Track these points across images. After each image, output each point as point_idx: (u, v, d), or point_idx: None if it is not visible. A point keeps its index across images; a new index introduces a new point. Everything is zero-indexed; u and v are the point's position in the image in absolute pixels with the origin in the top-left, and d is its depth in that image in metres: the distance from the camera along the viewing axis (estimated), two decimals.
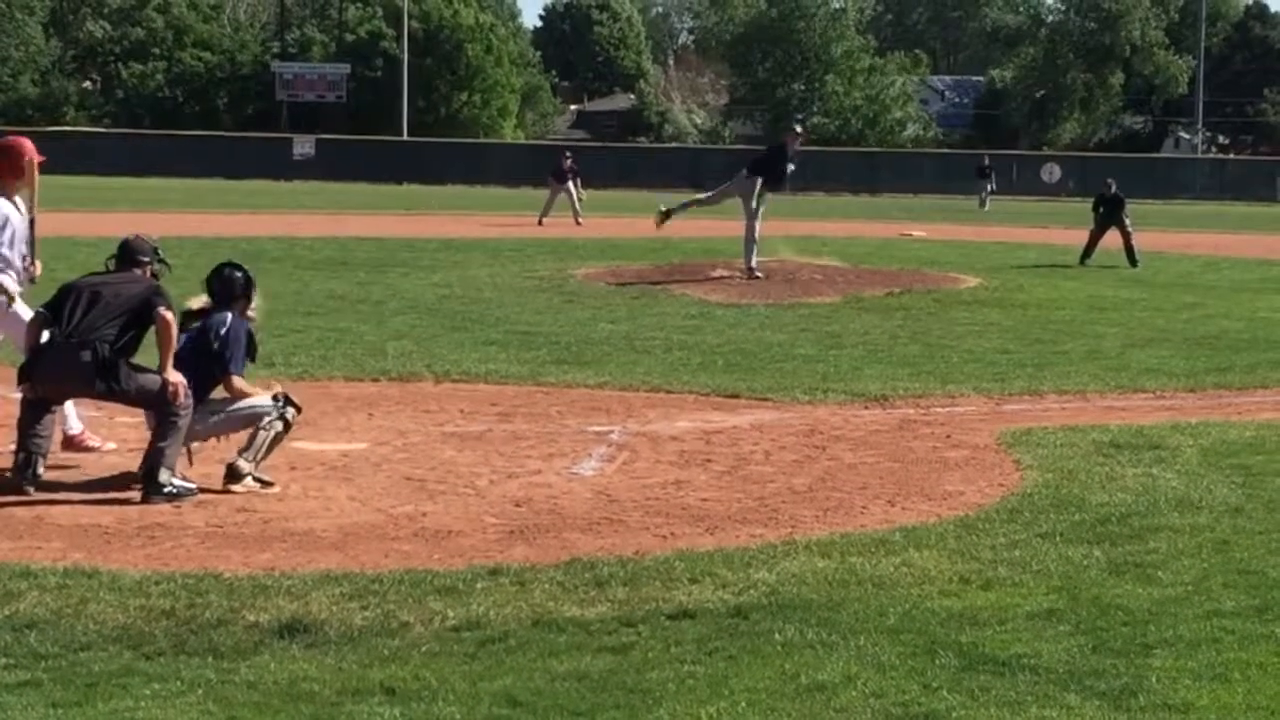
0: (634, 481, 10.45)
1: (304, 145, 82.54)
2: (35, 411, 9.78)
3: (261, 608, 7.32)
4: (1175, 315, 22.20)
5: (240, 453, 9.93)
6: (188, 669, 6.50)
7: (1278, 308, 23.49)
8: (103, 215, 35.34)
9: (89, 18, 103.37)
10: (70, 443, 10.75)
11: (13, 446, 9.82)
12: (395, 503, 9.68)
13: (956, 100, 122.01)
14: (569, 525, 9.19)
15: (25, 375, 9.87)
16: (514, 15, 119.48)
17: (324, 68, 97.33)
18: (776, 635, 7.03)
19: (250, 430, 10.00)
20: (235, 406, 10.08)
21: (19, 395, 10.04)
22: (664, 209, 27.01)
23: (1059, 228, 44.51)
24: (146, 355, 9.93)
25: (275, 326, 16.46)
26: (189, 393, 9.69)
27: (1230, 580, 8.10)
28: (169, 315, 9.70)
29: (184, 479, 9.72)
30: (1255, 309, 23.23)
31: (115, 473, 10.15)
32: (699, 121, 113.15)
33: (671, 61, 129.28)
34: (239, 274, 10.41)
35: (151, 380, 9.70)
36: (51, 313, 9.83)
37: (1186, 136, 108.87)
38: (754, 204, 24.66)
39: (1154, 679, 6.51)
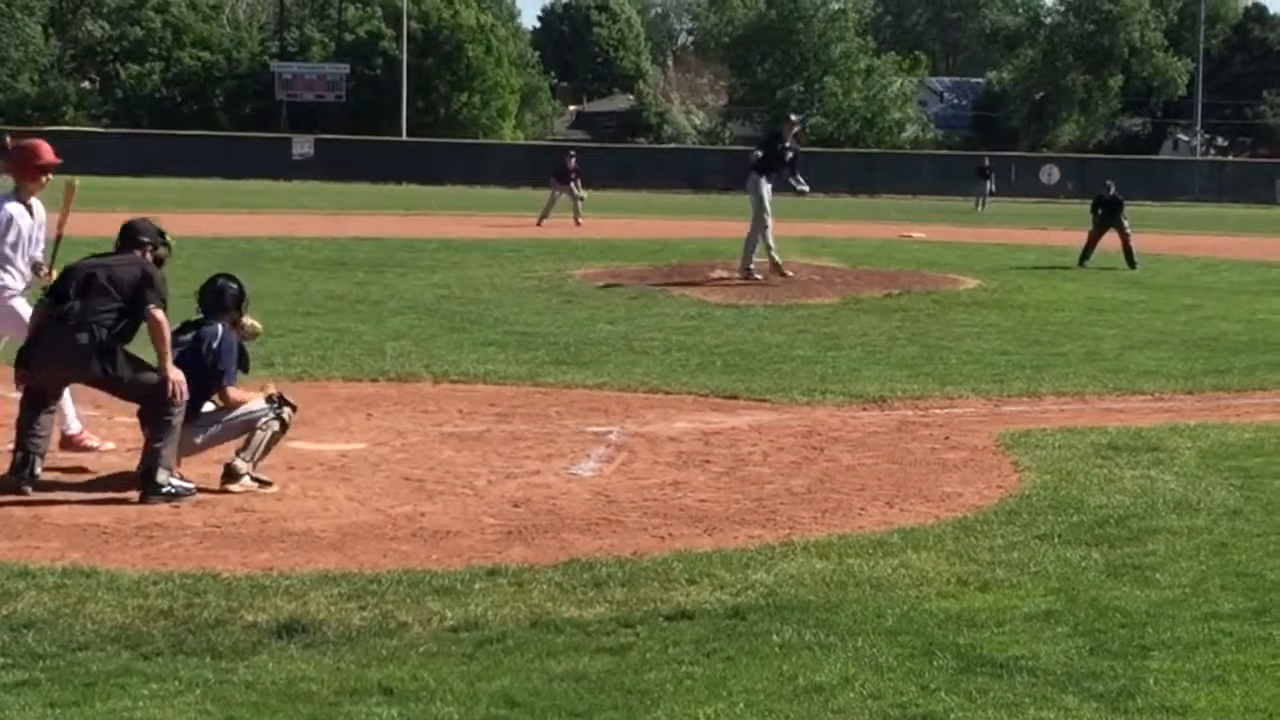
0: (632, 482, 10.45)
1: (303, 145, 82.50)
2: (34, 410, 9.78)
3: (260, 608, 7.32)
4: (1174, 317, 22.21)
5: (238, 453, 9.93)
6: (186, 669, 6.50)
7: (1276, 310, 23.49)
8: (101, 215, 35.24)
9: (88, 17, 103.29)
10: (69, 442, 10.74)
11: (10, 446, 9.83)
12: (393, 503, 9.68)
13: (955, 102, 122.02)
14: (567, 526, 9.19)
15: (23, 360, 9.87)
16: (513, 16, 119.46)
17: (323, 68, 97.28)
18: (774, 636, 7.04)
19: (247, 431, 10.01)
20: (231, 415, 10.07)
21: (18, 395, 10.03)
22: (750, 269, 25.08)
23: (1058, 229, 44.53)
24: (144, 350, 9.92)
25: (274, 327, 16.45)
26: (184, 392, 9.67)
27: (1228, 582, 8.10)
28: (159, 315, 9.67)
29: (182, 479, 9.71)
30: (1254, 311, 23.24)
31: (113, 472, 10.15)
32: (698, 122, 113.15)
33: (670, 62, 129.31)
34: (233, 285, 10.41)
35: (148, 375, 9.69)
36: (53, 296, 9.84)
37: (1185, 138, 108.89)
38: (761, 203, 24.48)
39: (1152, 681, 6.51)
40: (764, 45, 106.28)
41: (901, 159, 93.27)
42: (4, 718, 5.90)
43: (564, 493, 10.08)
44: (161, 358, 9.70)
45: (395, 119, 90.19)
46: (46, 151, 11.14)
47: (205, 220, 38.02)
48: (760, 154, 25.16)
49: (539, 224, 41.76)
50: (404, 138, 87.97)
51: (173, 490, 9.52)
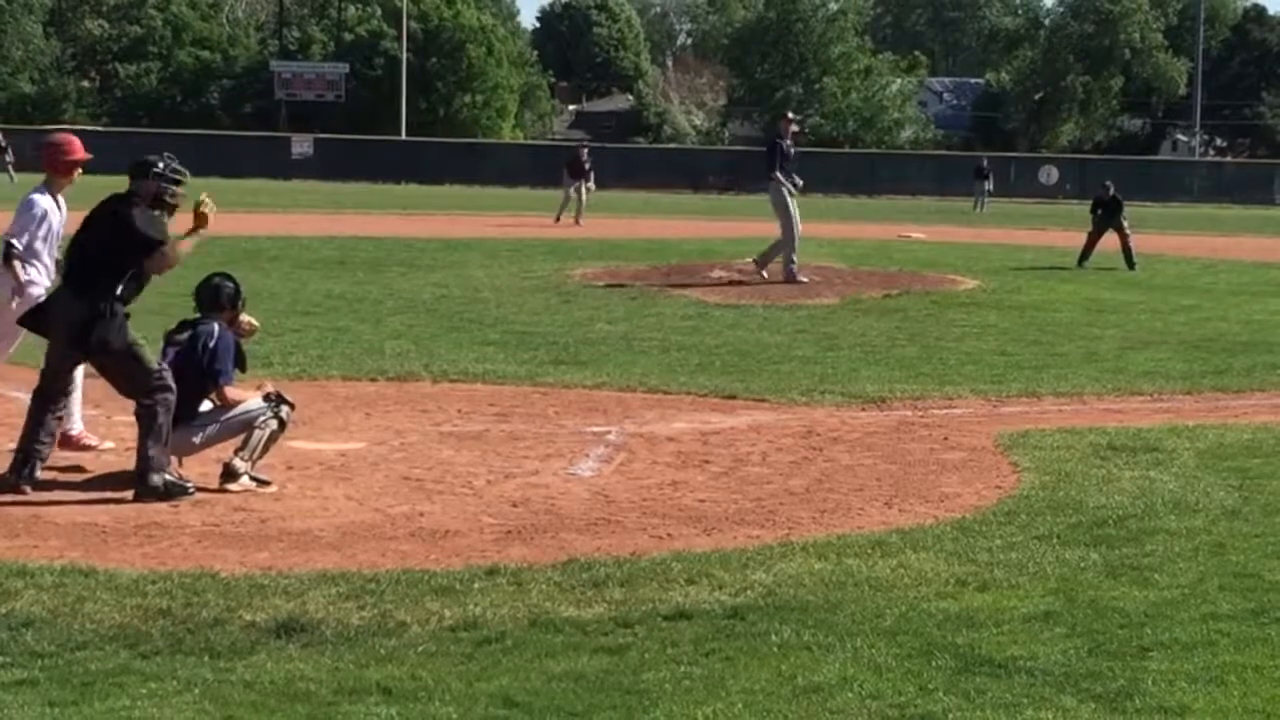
0: (631, 482, 10.45)
1: (302, 144, 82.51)
2: (42, 409, 9.73)
3: (258, 607, 7.32)
4: (1173, 318, 22.21)
5: (236, 452, 9.92)
6: (184, 668, 6.50)
7: (1275, 310, 23.49)
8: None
9: (88, 15, 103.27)
10: (69, 442, 10.71)
11: (12, 446, 9.82)
12: (392, 502, 9.68)
13: (955, 102, 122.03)
14: (566, 526, 9.19)
15: (29, 320, 9.87)
16: (512, 15, 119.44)
17: (323, 67, 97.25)
18: (773, 636, 7.04)
19: (245, 430, 10.00)
20: (228, 415, 10.06)
21: (18, 394, 10.03)
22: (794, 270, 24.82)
23: (1057, 230, 44.53)
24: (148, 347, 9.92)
25: (273, 326, 16.46)
26: (171, 384, 9.62)
27: (1226, 583, 8.11)
28: (161, 253, 9.66)
29: (180, 478, 9.70)
30: (1252, 312, 23.24)
31: (112, 471, 10.15)
32: (697, 122, 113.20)
33: (670, 62, 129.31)
34: (229, 284, 10.40)
35: (142, 362, 9.60)
36: (66, 261, 9.83)
37: (1184, 139, 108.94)
38: (787, 201, 24.54)
39: (1150, 681, 6.51)
40: (763, 45, 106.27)
41: (900, 159, 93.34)
42: (3, 716, 5.90)
43: (563, 492, 10.08)
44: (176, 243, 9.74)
45: (394, 118, 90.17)
46: (77, 147, 11.11)
47: None
48: (767, 158, 25.27)
49: (556, 220, 41.78)
50: (403, 137, 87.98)
51: (163, 488, 9.47)
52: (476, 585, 7.76)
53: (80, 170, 11.09)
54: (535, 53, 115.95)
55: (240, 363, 10.30)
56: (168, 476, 9.58)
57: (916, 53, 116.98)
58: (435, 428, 12.26)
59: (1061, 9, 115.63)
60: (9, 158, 63.69)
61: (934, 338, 19.09)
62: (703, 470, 10.90)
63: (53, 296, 9.92)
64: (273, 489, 9.87)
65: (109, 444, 10.94)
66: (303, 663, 6.60)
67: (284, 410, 10.10)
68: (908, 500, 10.09)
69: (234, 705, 6.08)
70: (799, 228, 24.85)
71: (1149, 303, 24.30)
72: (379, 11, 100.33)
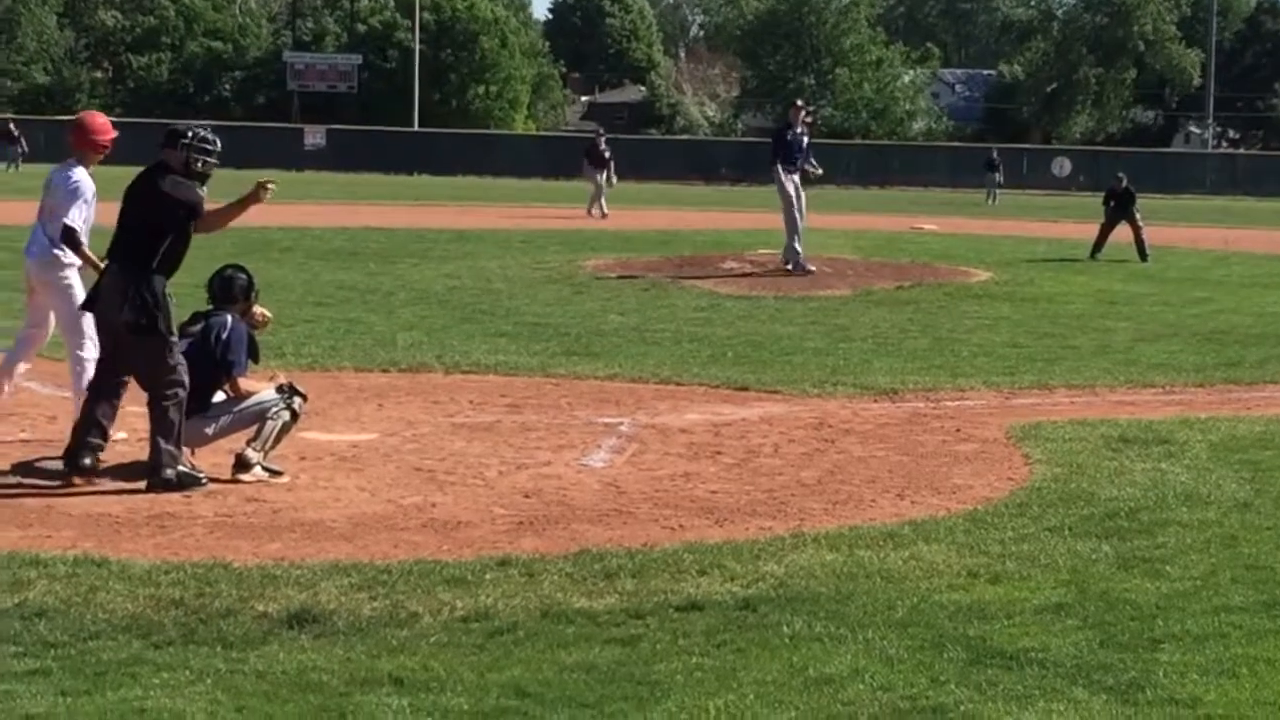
0: (643, 473, 10.46)
1: (315, 135, 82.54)
2: (97, 398, 9.71)
3: (270, 598, 7.33)
4: (1185, 310, 22.18)
5: (248, 443, 9.94)
6: (197, 658, 6.51)
7: None
8: (113, 205, 35.26)
9: (101, 6, 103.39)
10: None
11: (23, 434, 9.82)
12: (404, 493, 9.70)
13: (968, 94, 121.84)
14: (578, 517, 9.20)
15: (88, 304, 9.94)
16: (524, 6, 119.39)
17: (335, 58, 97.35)
18: (784, 628, 7.04)
19: (258, 421, 10.01)
20: (242, 405, 10.07)
21: (37, 387, 10.03)
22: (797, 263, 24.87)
23: (1069, 222, 44.45)
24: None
25: (286, 317, 16.49)
26: (186, 380, 9.63)
27: (1238, 575, 8.10)
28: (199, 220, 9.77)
29: (193, 468, 9.72)
30: (1265, 304, 23.20)
31: (125, 462, 10.16)
32: (710, 114, 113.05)
33: (683, 54, 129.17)
34: (241, 276, 10.40)
35: (169, 358, 9.61)
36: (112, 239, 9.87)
37: (1197, 131, 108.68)
38: (787, 191, 24.55)
39: (1162, 673, 6.51)
40: (776, 37, 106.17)
41: (913, 151, 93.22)
42: (16, 706, 5.92)
43: (575, 484, 10.09)
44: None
45: (407, 110, 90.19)
46: (104, 125, 11.10)
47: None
48: (772, 145, 25.26)
49: (589, 213, 41.71)
50: (416, 128, 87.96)
51: (176, 478, 9.48)
52: (488, 576, 7.77)
53: (107, 148, 11.06)
54: (547, 44, 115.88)
55: (253, 354, 10.31)
56: (181, 467, 9.60)
57: (929, 44, 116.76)
58: (447, 419, 12.28)
59: (1074, 0, 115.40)
60: (21, 149, 63.79)
61: (946, 329, 19.08)
62: (715, 461, 10.90)
63: (102, 275, 9.94)
64: (285, 480, 9.89)
65: (122, 434, 10.91)
66: (315, 653, 6.62)
67: (296, 401, 10.12)
68: (920, 492, 10.09)
69: (246, 695, 6.09)
70: (804, 218, 24.81)
71: (1161, 295, 24.26)
72: (392, 3, 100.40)
